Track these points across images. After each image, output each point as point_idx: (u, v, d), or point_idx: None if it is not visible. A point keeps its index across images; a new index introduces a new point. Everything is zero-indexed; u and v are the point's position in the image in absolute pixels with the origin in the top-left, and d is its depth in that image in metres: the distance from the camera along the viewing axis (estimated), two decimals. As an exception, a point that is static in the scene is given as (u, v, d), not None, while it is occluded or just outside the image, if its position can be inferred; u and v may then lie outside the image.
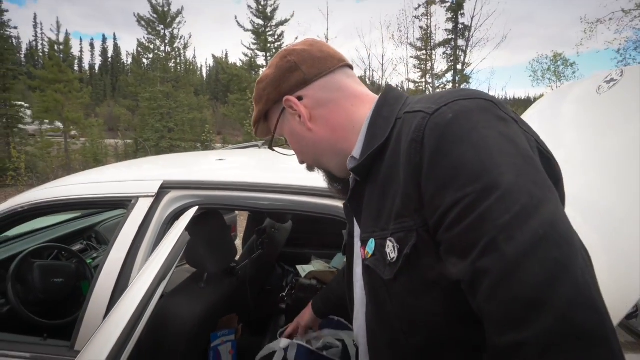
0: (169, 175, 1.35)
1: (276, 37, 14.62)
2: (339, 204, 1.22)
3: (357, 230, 0.72)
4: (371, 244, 0.61)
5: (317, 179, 1.33)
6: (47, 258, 1.94)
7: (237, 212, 3.37)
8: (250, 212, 2.30)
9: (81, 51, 65.94)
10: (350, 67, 0.75)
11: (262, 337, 1.95)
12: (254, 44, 14.66)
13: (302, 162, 0.81)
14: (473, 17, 15.83)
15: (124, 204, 1.32)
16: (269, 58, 14.71)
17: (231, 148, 3.04)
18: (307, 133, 0.72)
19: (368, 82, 19.24)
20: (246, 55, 14.92)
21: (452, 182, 0.48)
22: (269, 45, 14.47)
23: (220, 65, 15.21)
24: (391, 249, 0.56)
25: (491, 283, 0.43)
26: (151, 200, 1.29)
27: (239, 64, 15.37)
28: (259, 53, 14.75)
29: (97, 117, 17.55)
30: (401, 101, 0.65)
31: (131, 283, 0.73)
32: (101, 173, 1.64)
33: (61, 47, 13.11)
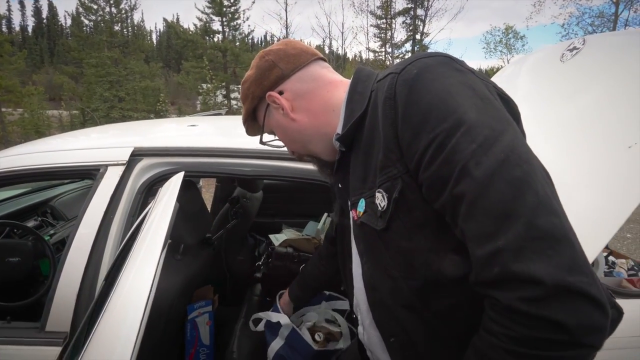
0: (140, 142, 1.25)
1: (232, 0, 13.85)
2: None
3: (348, 203, 0.76)
4: (361, 203, 0.67)
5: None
6: (-1, 236, 1.78)
7: (201, 183, 3.26)
8: (231, 179, 2.22)
9: (9, 10, 59.36)
10: (324, 60, 0.82)
11: (238, 307, 1.94)
12: (208, 7, 13.81)
13: (292, 153, 0.86)
14: (431, -15, 15.81)
15: (91, 173, 1.21)
16: (224, 23, 13.99)
17: (195, 116, 2.90)
18: (292, 123, 0.78)
19: (327, 51, 18.92)
20: (200, 19, 14.07)
21: (423, 127, 0.55)
22: (224, 9, 13.70)
23: (174, 29, 14.23)
24: (380, 199, 0.62)
25: (467, 204, 0.50)
26: (122, 168, 1.19)
27: (192, 29, 14.49)
28: (214, 17, 13.95)
29: (35, 85, 16.03)
30: (373, 77, 0.71)
31: (126, 265, 0.67)
32: (62, 140, 1.49)
33: (-14, 4, 11.67)
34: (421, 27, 16.76)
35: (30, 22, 61.42)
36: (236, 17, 14.02)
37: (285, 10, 14.42)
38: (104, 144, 1.31)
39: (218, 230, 1.89)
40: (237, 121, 2.14)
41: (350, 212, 0.72)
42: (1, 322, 1.18)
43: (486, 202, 0.49)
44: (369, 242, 0.68)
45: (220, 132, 1.52)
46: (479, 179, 0.50)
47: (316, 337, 1.41)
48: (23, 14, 62.95)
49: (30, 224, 2.09)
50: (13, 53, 12.25)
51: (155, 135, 1.46)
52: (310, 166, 1.23)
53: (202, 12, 13.88)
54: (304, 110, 0.77)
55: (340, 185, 0.81)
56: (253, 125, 0.87)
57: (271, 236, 2.23)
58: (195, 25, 14.35)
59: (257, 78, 0.79)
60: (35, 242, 1.79)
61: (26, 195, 2.35)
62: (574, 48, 1.55)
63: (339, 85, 0.78)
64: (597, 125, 1.06)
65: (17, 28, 58.40)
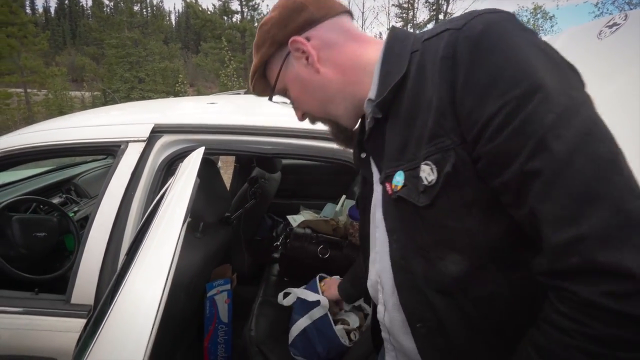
0: (160, 119, 1.25)
1: (251, -21, 13.67)
2: (343, 147, 1.17)
3: (375, 175, 0.70)
4: (399, 176, 0.60)
5: (319, 124, 1.27)
6: (25, 212, 1.82)
7: (219, 163, 3.28)
8: (250, 156, 2.22)
9: (33, -8, 60.15)
10: (351, 15, 0.75)
11: (256, 286, 1.96)
12: (227, -14, 13.68)
13: (303, 115, 0.77)
14: (457, -38, 15.24)
15: (111, 149, 1.22)
16: (243, 3, 13.84)
17: (214, 95, 2.89)
18: (315, 76, 0.69)
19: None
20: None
21: (490, 91, 0.48)
22: (243, -12, 13.55)
23: (192, 9, 14.18)
24: (428, 173, 0.55)
25: (544, 183, 0.44)
26: (142, 145, 1.19)
27: (211, 9, 14.40)
28: (232, -3, 13.83)
29: (58, 66, 16.34)
30: (410, 37, 0.64)
31: (146, 239, 0.66)
32: (84, 117, 1.50)
33: (9, -15, 11.83)
34: (445, 7, 16.24)
35: (53, 3, 62.27)
36: (255, -4, 13.85)
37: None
38: (124, 121, 1.31)
39: (237, 210, 1.90)
40: (256, 100, 2.12)
41: (382, 185, 0.65)
42: (30, 293, 1.21)
43: (568, 181, 0.43)
44: (404, 219, 0.61)
45: (240, 110, 1.50)
46: (560, 154, 0.43)
47: (352, 336, 1.38)
48: (45, -5, 63.80)
49: (55, 200, 2.14)
50: (37, 34, 12.46)
51: (175, 113, 1.45)
52: (331, 144, 1.20)
53: (221, -8, 13.76)
54: (331, 62, 0.68)
55: (363, 156, 0.74)
56: (262, 80, 0.77)
57: (289, 217, 2.23)
58: (214, 5, 14.27)
59: (281, 19, 0.69)
60: (60, 218, 1.83)
61: (51, 173, 2.41)
62: (614, 24, 1.44)
63: (371, 43, 0.70)
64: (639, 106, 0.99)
65: (40, 9, 59.32)
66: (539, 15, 20.98)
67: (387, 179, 0.62)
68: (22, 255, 1.61)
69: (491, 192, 0.51)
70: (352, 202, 2.17)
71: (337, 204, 2.30)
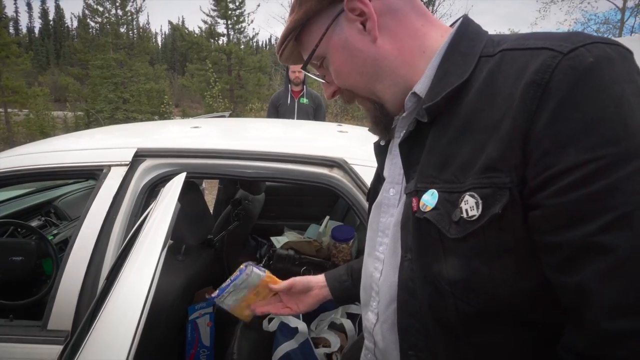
0: (143, 143, 1.26)
1: (237, 3, 13.94)
2: (325, 171, 1.20)
3: (391, 176, 0.65)
4: (431, 196, 0.52)
5: (302, 146, 1.31)
6: (2, 235, 1.79)
7: (204, 185, 3.27)
8: (234, 181, 2.23)
9: (16, 12, 60.07)
10: None
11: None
12: (213, 10, 13.93)
13: (336, 92, 0.66)
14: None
15: (94, 173, 1.22)
16: (229, 25, 14.07)
17: (198, 118, 2.92)
18: (369, 46, 0.58)
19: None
20: (205, 22, 14.19)
21: (579, 140, 0.41)
22: (229, 12, 13.79)
23: (179, 32, 14.36)
24: (471, 206, 0.48)
25: (612, 263, 0.39)
26: (125, 169, 1.20)
27: (197, 31, 14.59)
28: (219, 20, 14.05)
29: (40, 86, 16.18)
30: (482, 37, 0.56)
31: (126, 264, 0.67)
32: (66, 141, 1.51)
33: (-6, 6, 11.81)
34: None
35: (37, 24, 62.12)
36: (241, 20, 14.13)
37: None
38: (107, 145, 1.32)
39: (220, 232, 1.90)
40: (240, 123, 2.15)
41: (407, 196, 0.57)
42: (3, 320, 1.19)
43: None
44: (424, 242, 0.54)
45: (223, 134, 1.53)
46: None
47: (333, 358, 1.38)
48: (30, 16, 63.66)
49: (34, 223, 2.10)
50: (20, 54, 12.36)
51: (159, 136, 1.47)
52: (315, 169, 1.23)
53: (208, 15, 14.02)
54: (391, 34, 0.58)
55: (382, 143, 0.68)
56: (292, 48, 0.66)
57: (273, 238, 2.24)
58: (200, 28, 14.48)
59: None
60: (39, 242, 1.80)
61: (30, 195, 2.37)
62: None
63: (436, 25, 0.60)
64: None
65: (24, 30, 59.03)
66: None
67: (415, 193, 0.55)
68: (-3, 280, 1.58)
69: (532, 246, 0.46)
70: (335, 223, 2.19)
71: (320, 225, 2.32)
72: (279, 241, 2.19)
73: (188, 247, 1.45)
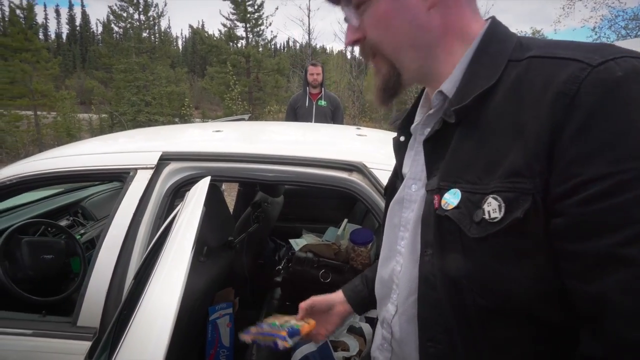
0: (168, 146, 1.30)
1: (256, 7, 14.11)
2: (344, 175, 1.21)
3: (413, 172, 0.65)
4: (454, 195, 0.53)
5: (321, 150, 1.32)
6: (34, 234, 1.87)
7: (223, 187, 3.33)
8: (254, 183, 2.27)
9: (46, 18, 62.44)
10: None
11: (258, 310, 1.97)
12: (232, 13, 14.13)
13: (356, 42, 0.63)
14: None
15: (121, 176, 1.27)
16: (248, 29, 14.24)
17: (219, 121, 2.97)
18: (422, 11, 0.56)
19: (349, 57, 18.97)
20: (225, 25, 14.40)
21: (606, 151, 0.42)
22: (248, 15, 13.97)
23: (199, 35, 14.63)
24: (494, 208, 0.48)
25: (634, 275, 0.40)
26: (151, 172, 1.24)
27: (217, 34, 14.83)
28: (238, 23, 14.25)
29: (67, 89, 16.74)
30: (511, 40, 0.56)
31: (150, 262, 0.70)
32: (95, 144, 1.57)
33: (24, 12, 12.28)
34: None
35: (65, 30, 64.28)
36: (260, 23, 14.28)
37: (308, 17, 14.53)
38: (133, 148, 1.37)
39: (240, 234, 1.93)
40: (260, 126, 2.19)
41: (429, 194, 0.58)
42: (37, 315, 1.24)
43: None
44: (444, 239, 0.55)
45: (244, 138, 1.56)
46: None
47: None
48: (58, 22, 65.99)
49: (63, 223, 2.19)
50: (49, 59, 12.84)
51: (182, 140, 1.51)
52: (334, 173, 1.24)
53: (227, 19, 14.22)
54: (445, 9, 0.57)
55: (402, 139, 0.68)
56: None
57: (291, 241, 2.26)
58: (219, 31, 14.72)
59: None
60: (68, 241, 1.88)
61: (59, 196, 2.46)
62: None
63: (478, 17, 0.60)
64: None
65: (53, 35, 61.27)
66: (538, 40, 21.51)
67: (438, 191, 0.55)
68: (29, 278, 1.65)
69: (551, 251, 0.47)
70: (353, 226, 2.20)
71: (339, 228, 2.33)
72: (297, 244, 2.21)
73: (209, 248, 1.48)
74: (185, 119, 13.43)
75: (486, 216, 0.49)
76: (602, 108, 0.42)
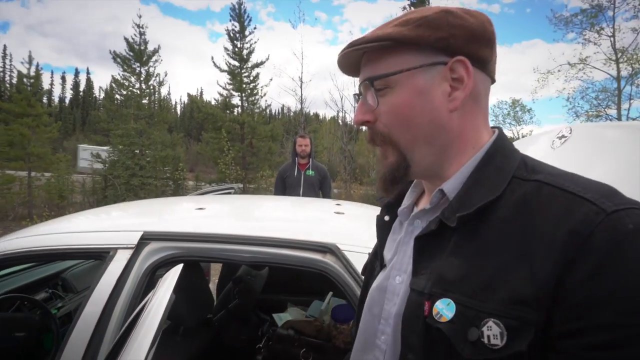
0: (149, 225, 1.35)
1: (252, 78, 14.96)
2: (319, 257, 1.25)
3: (398, 263, 0.64)
4: (447, 305, 0.52)
5: (297, 230, 1.37)
6: (9, 309, 1.83)
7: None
8: (230, 264, 2.28)
9: (51, 84, 65.14)
10: None
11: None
12: (229, 84, 14.91)
13: (366, 123, 0.62)
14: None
15: (101, 255, 1.30)
16: (244, 98, 14.95)
17: (205, 192, 3.04)
18: (443, 111, 0.57)
19: (340, 124, 19.80)
20: (221, 94, 15.12)
21: (614, 302, 0.43)
22: (244, 85, 14.76)
23: (196, 103, 15.32)
24: (495, 334, 0.47)
25: None
26: (131, 252, 1.27)
27: (213, 102, 15.53)
28: (234, 93, 14.99)
29: (64, 151, 17.05)
30: (516, 155, 0.58)
31: (119, 345, 0.72)
32: (74, 222, 1.61)
33: (31, 80, 12.89)
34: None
35: (69, 94, 66.88)
36: (255, 92, 15.03)
37: (301, 87, 15.42)
38: (115, 227, 1.41)
39: (220, 310, 1.91)
40: (243, 201, 2.25)
41: (415, 294, 0.56)
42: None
43: None
44: (432, 350, 0.53)
45: (225, 216, 1.62)
46: None
47: None
48: (63, 87, 68.94)
49: (41, 295, 2.15)
50: (49, 124, 13.22)
51: (165, 218, 1.56)
52: (311, 254, 1.27)
53: (224, 88, 14.97)
54: (464, 113, 0.58)
55: (387, 219, 0.69)
56: (373, 55, 0.60)
57: (275, 315, 2.22)
58: (216, 99, 15.41)
59: (472, 31, 0.56)
60: (42, 316, 1.84)
61: (43, 266, 2.44)
62: (562, 136, 1.66)
63: (487, 126, 0.62)
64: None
65: (57, 100, 63.59)
66: (517, 108, 22.86)
67: (429, 297, 0.54)
68: (-2, 358, 1.59)
69: None
70: (339, 301, 2.18)
71: (323, 301, 2.30)
72: (281, 318, 2.17)
73: (187, 327, 1.47)
74: (178, 182, 13.56)
75: (485, 340, 0.47)
76: (615, 258, 0.44)
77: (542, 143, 1.72)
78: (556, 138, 1.62)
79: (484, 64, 0.58)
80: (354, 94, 0.65)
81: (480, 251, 0.52)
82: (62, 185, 12.63)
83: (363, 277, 0.79)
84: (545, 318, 0.46)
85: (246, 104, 15.09)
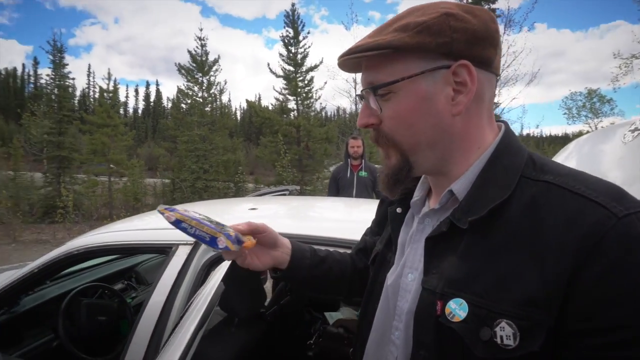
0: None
1: (306, 82, 15.25)
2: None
3: (410, 261, 0.65)
4: (459, 305, 0.52)
5: (351, 231, 1.41)
6: (93, 296, 2.08)
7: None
8: None
9: (127, 96, 71.56)
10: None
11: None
12: (285, 88, 15.33)
13: (373, 124, 0.61)
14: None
15: (165, 250, 1.44)
16: (299, 102, 15.28)
17: (261, 193, 3.18)
18: (447, 116, 0.57)
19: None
20: (277, 99, 15.60)
21: (624, 304, 0.44)
22: (299, 90, 15.09)
23: (253, 108, 15.95)
24: (508, 334, 0.48)
25: None
26: (189, 247, 1.40)
27: (270, 107, 16.06)
28: (289, 97, 15.39)
29: (138, 157, 18.66)
30: (523, 154, 0.58)
31: (172, 332, 0.82)
32: (145, 220, 1.79)
33: (110, 94, 14.31)
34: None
35: (141, 105, 72.95)
36: (310, 96, 15.30)
37: (355, 89, 15.42)
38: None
39: (272, 306, 2.00)
40: (295, 202, 2.34)
41: (427, 293, 0.57)
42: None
43: None
44: (444, 348, 0.53)
45: (275, 216, 1.71)
46: None
47: None
48: (136, 99, 75.48)
49: (118, 286, 2.41)
50: (125, 132, 14.57)
51: (220, 218, 1.68)
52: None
53: (280, 93, 15.43)
54: (468, 116, 0.58)
55: (399, 211, 0.69)
56: (374, 60, 0.58)
57: (327, 314, 2.27)
58: (272, 104, 15.92)
59: (475, 33, 0.55)
60: (120, 304, 2.06)
61: (118, 260, 2.73)
62: (636, 129, 1.51)
63: (493, 125, 0.62)
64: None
65: (131, 111, 69.72)
66: (594, 99, 20.76)
67: (441, 297, 0.54)
68: (83, 336, 1.82)
69: None
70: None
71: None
72: (332, 317, 2.22)
73: (240, 319, 1.57)
74: (239, 185, 14.23)
75: (498, 340, 0.48)
76: (626, 261, 0.45)
77: (613, 136, 1.59)
78: (628, 131, 1.49)
79: (488, 63, 0.58)
80: (357, 95, 0.66)
81: (491, 252, 0.52)
82: (136, 189, 13.83)
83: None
84: (556, 318, 0.47)
85: (301, 107, 15.41)
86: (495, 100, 16.25)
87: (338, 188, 4.41)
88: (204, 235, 0.72)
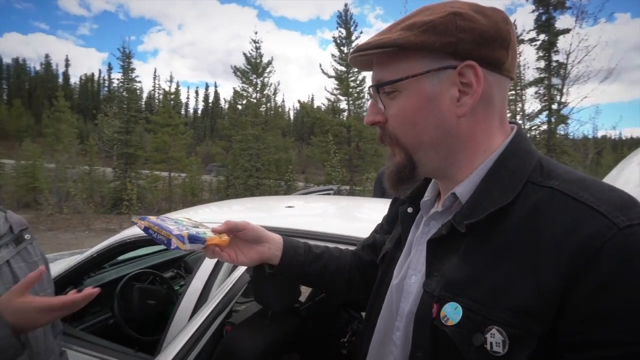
0: (243, 219, 1.54)
1: (358, 82, 15.22)
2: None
3: (414, 262, 0.65)
4: (454, 309, 0.51)
5: (368, 230, 1.42)
6: (145, 282, 2.26)
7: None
8: None
9: (187, 97, 76.02)
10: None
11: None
12: (336, 89, 15.43)
13: (379, 122, 0.61)
14: (569, 53, 14.63)
15: (206, 241, 1.53)
16: (350, 102, 15.28)
17: (307, 192, 3.24)
18: (451, 117, 0.56)
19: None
20: (329, 99, 15.74)
21: (620, 319, 0.43)
22: (350, 90, 15.09)
23: (305, 109, 16.22)
24: (497, 342, 0.47)
25: None
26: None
27: (322, 108, 16.23)
28: (341, 98, 15.45)
29: (196, 155, 19.80)
30: (533, 158, 0.56)
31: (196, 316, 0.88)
32: (199, 212, 1.92)
33: (172, 96, 15.32)
34: (558, 97, 15.43)
35: (200, 106, 77.05)
36: (361, 96, 15.25)
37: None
38: (215, 219, 1.65)
39: (308, 302, 2.04)
40: (333, 202, 2.37)
41: (428, 296, 0.56)
42: (130, 350, 1.51)
43: None
44: (439, 351, 0.53)
45: (311, 215, 1.75)
46: None
47: None
48: (196, 100, 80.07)
49: (168, 274, 2.59)
50: (184, 132, 15.52)
51: (255, 215, 1.75)
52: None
53: (331, 93, 15.56)
54: (474, 119, 0.57)
55: (410, 210, 0.68)
56: (375, 58, 0.59)
57: (363, 314, 2.27)
58: (324, 104, 16.09)
59: (483, 33, 0.53)
60: (168, 290, 2.22)
61: (169, 250, 2.93)
62: None
63: (505, 128, 0.60)
64: None
65: (191, 111, 73.95)
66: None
67: (438, 300, 0.54)
68: (134, 317, 1.99)
69: None
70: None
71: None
72: (367, 316, 2.22)
73: (274, 312, 1.62)
74: (289, 183, 14.57)
75: (487, 347, 0.48)
76: (623, 275, 0.43)
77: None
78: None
79: (498, 65, 0.56)
80: (367, 92, 0.66)
81: (489, 257, 0.52)
82: (194, 185, 14.66)
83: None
84: (549, 329, 0.46)
85: (352, 108, 15.41)
86: (563, 99, 15.20)
87: (383, 190, 4.36)
88: (162, 238, 0.77)
